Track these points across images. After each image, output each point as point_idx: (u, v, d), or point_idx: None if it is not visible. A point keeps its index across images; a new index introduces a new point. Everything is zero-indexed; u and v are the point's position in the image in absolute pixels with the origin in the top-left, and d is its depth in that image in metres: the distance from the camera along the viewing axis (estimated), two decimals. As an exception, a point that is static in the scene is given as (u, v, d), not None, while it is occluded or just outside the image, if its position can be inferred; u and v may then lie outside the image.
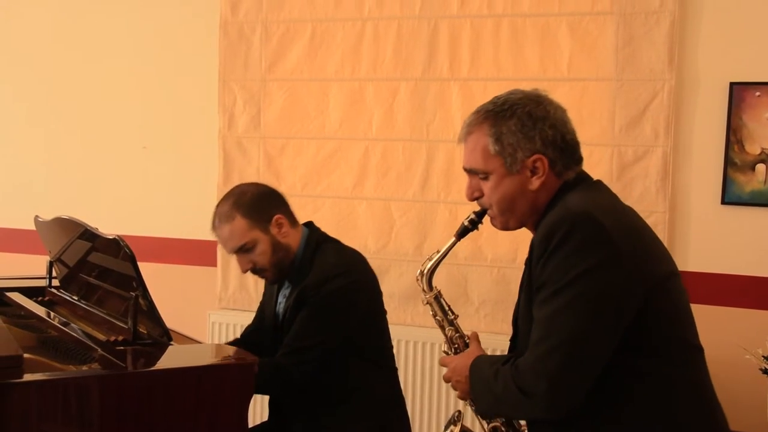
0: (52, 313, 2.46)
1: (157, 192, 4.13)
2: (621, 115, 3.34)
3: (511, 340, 1.84)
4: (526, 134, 1.71)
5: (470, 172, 1.79)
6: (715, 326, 3.16)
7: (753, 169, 3.21)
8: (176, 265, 4.08)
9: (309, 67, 3.78)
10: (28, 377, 1.75)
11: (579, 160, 1.77)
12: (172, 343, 2.05)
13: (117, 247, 2.04)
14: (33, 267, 2.95)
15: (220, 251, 3.94)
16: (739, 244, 3.26)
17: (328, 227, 2.66)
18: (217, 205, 2.47)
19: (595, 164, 3.28)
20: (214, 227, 2.46)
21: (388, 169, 3.67)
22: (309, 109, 3.79)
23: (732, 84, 3.22)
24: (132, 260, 2.00)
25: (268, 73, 3.84)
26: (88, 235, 2.27)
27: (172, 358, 1.97)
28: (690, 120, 3.30)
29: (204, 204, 3.95)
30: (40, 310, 2.49)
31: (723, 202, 3.25)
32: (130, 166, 4.17)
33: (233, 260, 3.90)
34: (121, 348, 1.99)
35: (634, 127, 3.32)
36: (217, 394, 1.89)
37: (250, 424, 2.13)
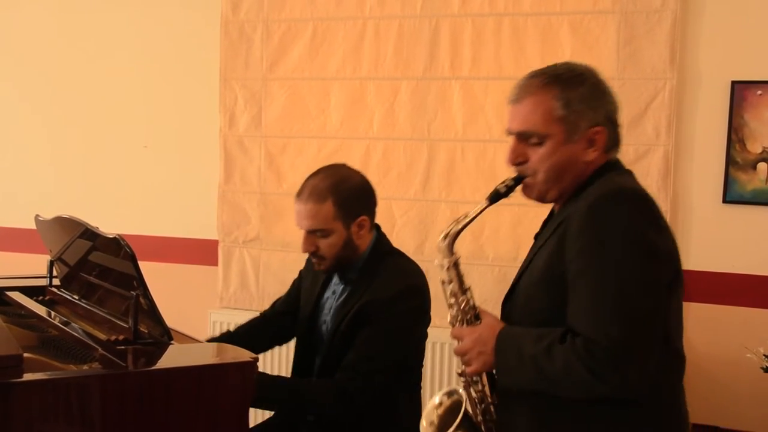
0: (52, 313, 2.46)
1: (157, 191, 4.13)
2: (622, 114, 3.28)
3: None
4: (593, 104, 1.70)
5: (521, 135, 1.72)
6: (716, 325, 3.16)
7: (754, 167, 3.21)
8: (177, 264, 4.08)
9: (310, 66, 3.78)
10: (28, 377, 1.74)
11: (620, 142, 1.77)
12: (172, 342, 2.04)
13: (117, 246, 2.03)
14: (33, 266, 2.95)
15: (221, 250, 3.94)
16: (741, 243, 3.25)
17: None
18: (313, 176, 2.36)
19: (597, 163, 3.28)
20: (299, 197, 2.33)
21: (389, 168, 3.67)
22: (310, 108, 3.79)
23: (733, 83, 3.21)
24: (132, 259, 2.00)
25: (269, 72, 3.84)
26: (88, 234, 2.26)
27: (172, 358, 1.97)
28: (691, 119, 3.29)
29: (205, 203, 3.98)
30: (40, 310, 2.48)
31: (724, 201, 3.25)
32: (131, 165, 4.17)
33: (234, 259, 3.95)
34: (122, 347, 1.98)
35: (636, 126, 3.31)
36: (217, 393, 1.88)
37: (251, 423, 2.13)
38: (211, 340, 2.60)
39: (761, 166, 3.20)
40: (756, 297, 3.22)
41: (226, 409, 1.89)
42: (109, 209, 4.10)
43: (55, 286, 2.70)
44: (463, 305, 1.80)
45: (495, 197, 1.77)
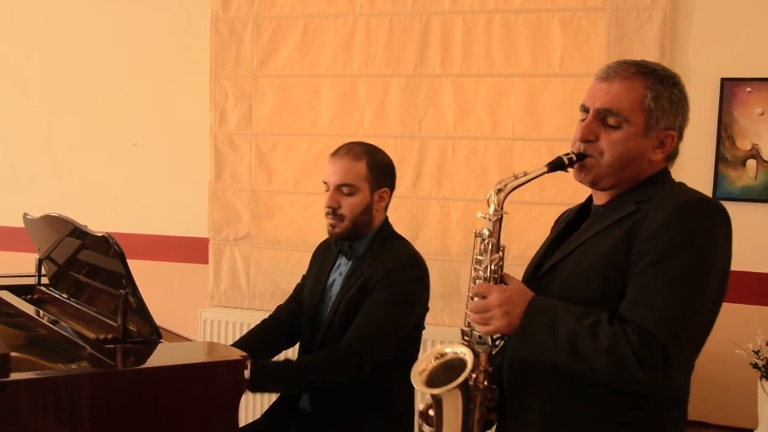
0: (41, 312, 2.45)
1: (147, 189, 4.12)
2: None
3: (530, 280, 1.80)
4: (675, 109, 1.73)
5: (602, 112, 1.72)
6: (706, 322, 3.17)
7: (744, 164, 3.22)
8: (167, 262, 4.07)
9: (300, 64, 3.77)
10: (16, 376, 1.73)
11: (677, 155, 1.80)
12: (162, 341, 2.04)
13: (106, 244, 2.03)
14: (22, 265, 2.94)
15: (212, 248, 3.93)
16: (730, 240, 3.26)
17: (321, 224, 2.66)
18: (350, 143, 2.50)
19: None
20: (336, 154, 2.47)
21: (380, 165, 3.66)
22: (300, 106, 3.78)
23: (723, 80, 3.22)
24: (121, 258, 1.99)
25: (260, 70, 3.83)
26: (77, 232, 2.26)
27: (161, 356, 1.96)
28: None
29: (195, 201, 3.97)
30: (29, 309, 2.47)
31: (714, 198, 3.25)
32: (121, 163, 4.16)
33: (224, 257, 3.94)
34: (111, 346, 1.98)
35: (626, 123, 3.32)
36: (207, 391, 1.88)
37: (242, 422, 2.12)
38: None
39: (750, 162, 3.21)
40: (745, 293, 3.22)
41: (216, 408, 1.89)
42: (98, 207, 4.09)
43: (44, 285, 2.70)
44: (494, 263, 1.76)
45: (555, 166, 1.75)
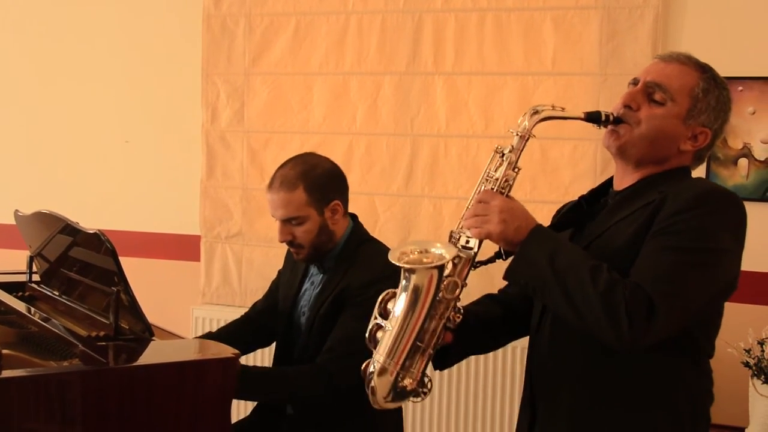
0: (32, 309, 2.43)
1: (139, 186, 4.11)
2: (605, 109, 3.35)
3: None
4: (718, 110, 1.76)
5: (652, 86, 1.73)
6: (697, 320, 3.18)
7: (735, 163, 3.23)
8: (159, 259, 4.06)
9: (293, 61, 3.76)
10: (7, 373, 1.72)
11: (704, 160, 1.84)
12: (154, 338, 2.03)
13: (98, 241, 2.02)
14: (13, 262, 2.92)
15: (204, 246, 3.92)
16: (722, 239, 3.27)
17: (312, 222, 2.65)
18: (283, 166, 2.39)
19: (580, 159, 3.29)
20: (271, 187, 2.36)
21: (372, 163, 3.66)
22: (293, 104, 3.78)
23: (715, 79, 3.23)
24: (113, 255, 1.98)
25: (252, 67, 3.82)
26: (68, 229, 2.24)
27: (153, 354, 1.96)
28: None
29: (187, 198, 3.96)
30: (20, 306, 2.46)
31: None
32: (113, 161, 4.14)
33: (216, 255, 3.93)
34: (103, 343, 1.97)
35: (618, 122, 3.32)
36: (199, 389, 1.87)
37: (233, 420, 2.12)
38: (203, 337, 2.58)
39: (742, 161, 3.22)
40: (737, 292, 3.21)
41: (208, 405, 1.88)
42: (90, 204, 4.08)
43: (35, 282, 2.68)
44: (506, 178, 1.73)
45: (592, 117, 1.75)
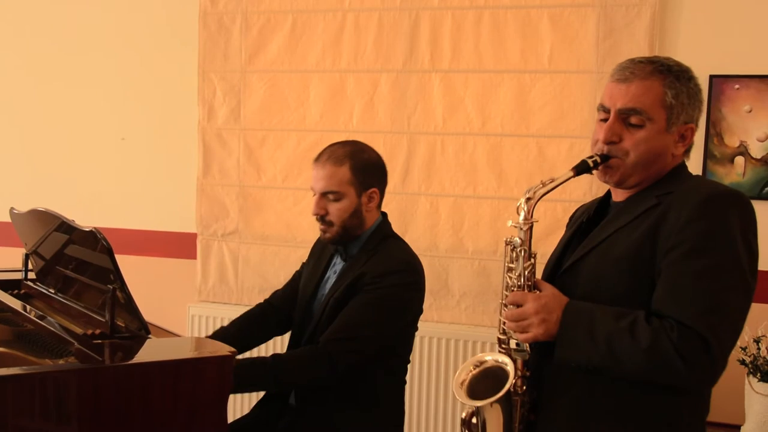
0: (28, 307, 2.43)
1: (135, 184, 4.10)
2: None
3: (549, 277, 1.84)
4: (693, 102, 1.75)
5: (625, 112, 1.72)
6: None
7: (732, 161, 3.23)
8: (155, 257, 4.05)
9: (289, 59, 3.76)
10: (2, 371, 1.72)
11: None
12: (150, 336, 2.03)
13: (94, 239, 2.01)
14: (8, 260, 2.91)
15: (200, 244, 3.92)
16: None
17: (309, 220, 2.65)
18: (332, 145, 2.45)
19: (576, 156, 3.28)
20: (318, 160, 2.42)
21: (369, 161, 3.66)
22: (289, 101, 3.77)
23: (712, 77, 3.23)
24: (109, 253, 1.98)
25: (248, 65, 3.81)
26: (64, 227, 2.24)
27: (149, 352, 1.95)
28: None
29: (183, 196, 3.95)
30: (15, 304, 2.45)
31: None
32: (109, 158, 4.13)
33: (213, 253, 3.93)
34: (99, 341, 1.97)
35: (615, 120, 3.32)
36: (195, 387, 1.87)
37: (230, 418, 2.11)
38: (212, 336, 2.59)
39: (738, 159, 3.22)
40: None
41: (205, 404, 1.88)
42: (86, 202, 4.07)
43: (31, 280, 2.68)
44: (527, 270, 1.77)
45: (581, 169, 1.76)
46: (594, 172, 1.77)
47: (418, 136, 3.60)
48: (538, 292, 1.75)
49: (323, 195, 2.39)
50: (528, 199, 1.77)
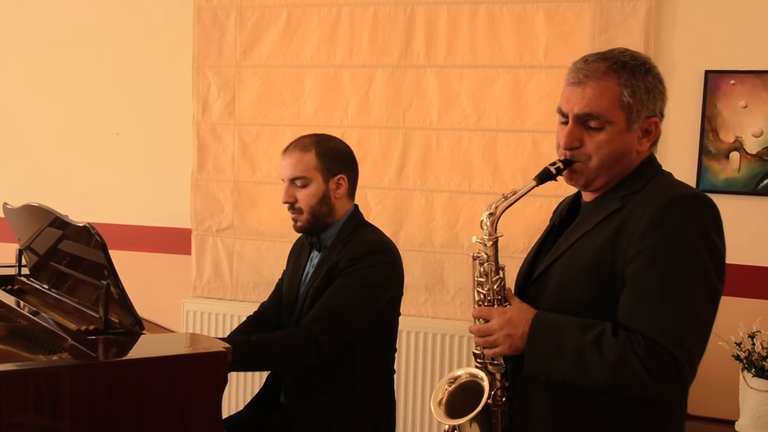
0: (21, 302, 2.43)
1: (129, 179, 4.09)
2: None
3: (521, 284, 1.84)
4: (653, 96, 1.71)
5: (583, 117, 1.69)
6: (688, 313, 3.18)
7: (727, 157, 3.23)
8: (149, 253, 4.04)
9: (284, 54, 3.74)
10: (-4, 367, 1.72)
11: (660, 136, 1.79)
12: (144, 332, 2.02)
13: (88, 234, 2.01)
14: (2, 255, 2.90)
15: (195, 239, 3.91)
16: (713, 232, 3.27)
17: (304, 215, 2.64)
18: (300, 136, 2.52)
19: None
20: (286, 150, 2.49)
21: (364, 156, 3.64)
22: (284, 96, 3.76)
23: (707, 72, 3.23)
24: (103, 248, 1.97)
25: (243, 59, 3.80)
26: (58, 222, 2.23)
27: (143, 348, 1.95)
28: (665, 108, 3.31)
29: (178, 191, 3.94)
30: (9, 299, 2.45)
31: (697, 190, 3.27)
32: (103, 153, 4.12)
33: (207, 248, 3.92)
34: (93, 337, 1.96)
35: (610, 115, 3.32)
36: (190, 383, 1.87)
37: (225, 414, 2.11)
38: None
39: (734, 155, 3.22)
40: (728, 286, 3.18)
41: (199, 400, 1.88)
42: (79, 197, 4.06)
43: (24, 276, 2.67)
44: (496, 285, 1.77)
45: (544, 177, 1.75)
46: (560, 178, 1.75)
47: (413, 131, 3.59)
48: (507, 305, 1.75)
49: (291, 182, 2.45)
50: (490, 215, 1.78)
